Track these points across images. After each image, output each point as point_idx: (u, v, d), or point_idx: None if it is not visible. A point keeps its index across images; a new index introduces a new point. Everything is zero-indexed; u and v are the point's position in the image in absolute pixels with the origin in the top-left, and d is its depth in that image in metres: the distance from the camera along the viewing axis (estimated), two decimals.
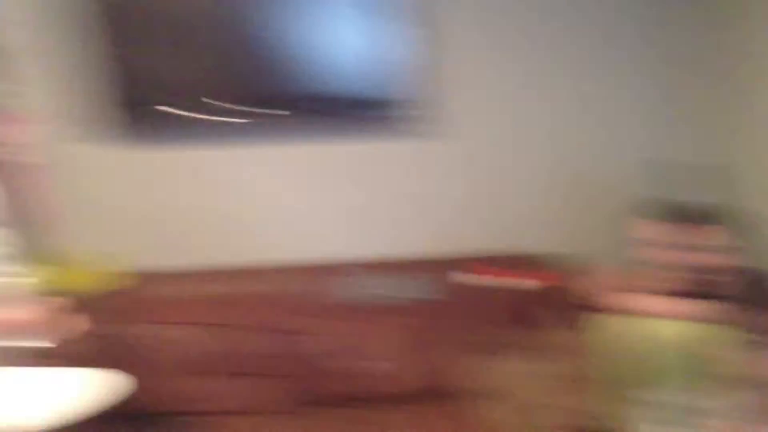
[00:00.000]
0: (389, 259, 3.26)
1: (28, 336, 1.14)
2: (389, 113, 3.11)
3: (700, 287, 2.11)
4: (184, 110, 3.03)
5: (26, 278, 1.15)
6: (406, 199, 3.30)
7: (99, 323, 2.64)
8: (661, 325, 2.14)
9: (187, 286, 3.08)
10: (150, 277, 3.12)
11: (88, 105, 3.04)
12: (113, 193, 3.18)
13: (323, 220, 3.29)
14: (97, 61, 2.97)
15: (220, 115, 3.04)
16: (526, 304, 2.86)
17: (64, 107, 3.03)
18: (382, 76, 3.05)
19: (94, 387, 1.21)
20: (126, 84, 2.99)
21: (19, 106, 2.94)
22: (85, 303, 2.78)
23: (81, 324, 1.26)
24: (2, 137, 2.91)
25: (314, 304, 2.93)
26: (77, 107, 3.04)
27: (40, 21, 2.94)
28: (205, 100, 3.04)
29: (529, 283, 2.99)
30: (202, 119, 3.05)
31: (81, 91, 3.02)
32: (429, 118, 3.16)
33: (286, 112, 3.05)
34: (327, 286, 3.03)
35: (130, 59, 2.97)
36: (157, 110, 3.04)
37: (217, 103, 3.04)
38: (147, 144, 3.13)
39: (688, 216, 2.21)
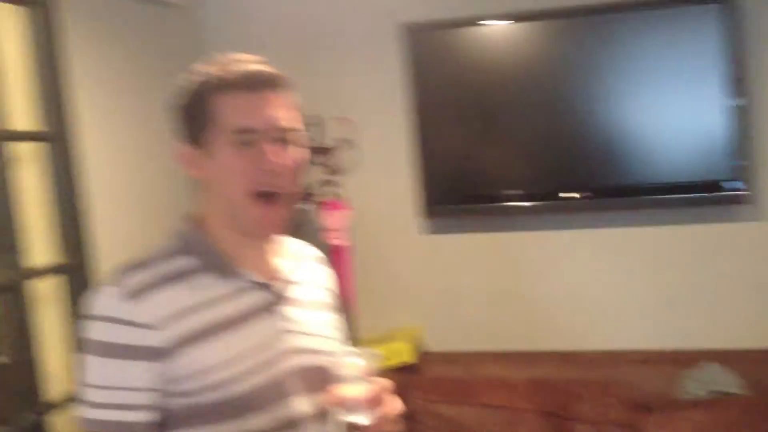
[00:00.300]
0: (701, 349, 3.01)
1: (357, 412, 1.30)
2: (703, 195, 2.96)
3: None
4: (497, 197, 3.17)
5: (357, 357, 1.34)
6: (721, 285, 3.06)
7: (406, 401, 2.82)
8: None
9: (484, 367, 3.14)
10: (447, 357, 3.24)
11: (407, 194, 3.30)
12: (418, 275, 3.36)
13: (630, 306, 3.15)
14: (419, 151, 3.22)
15: (530, 200, 3.13)
16: None
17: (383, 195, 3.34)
18: (698, 157, 2.95)
19: None
20: (443, 173, 3.22)
21: (338, 194, 3.28)
22: (395, 381, 2.97)
23: (398, 404, 1.37)
24: (327, 223, 3.26)
25: (615, 394, 2.82)
26: (400, 196, 3.31)
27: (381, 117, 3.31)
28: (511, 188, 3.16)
29: None
30: (507, 205, 3.16)
31: (403, 180, 3.30)
32: (746, 199, 2.94)
33: (593, 195, 3.06)
34: (631, 377, 2.91)
35: (447, 149, 3.21)
36: (470, 197, 3.21)
37: (526, 189, 3.14)
38: (454, 228, 3.29)
39: None
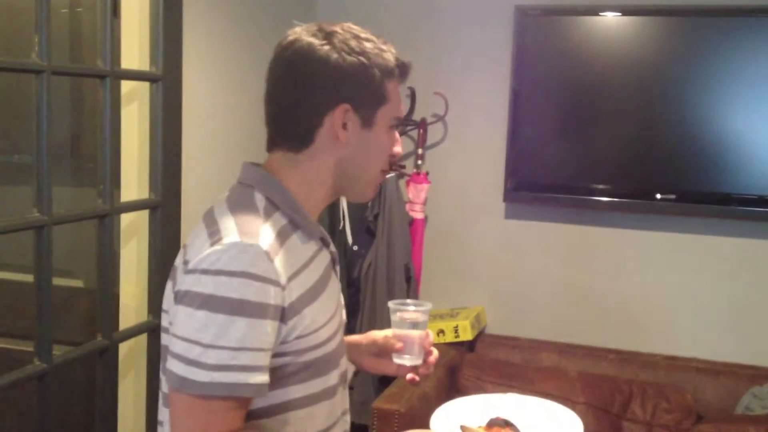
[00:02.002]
0: (766, 368, 2.99)
1: (411, 354, 1.48)
2: None
3: None
4: (581, 190, 3.18)
5: (413, 307, 1.50)
6: None
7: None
8: None
9: (541, 356, 3.17)
10: (506, 340, 3.28)
11: (492, 176, 3.33)
12: (490, 257, 3.39)
13: (701, 314, 3.14)
14: (510, 135, 3.25)
15: (615, 197, 3.13)
16: None
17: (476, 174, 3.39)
18: None
19: None
20: (530, 159, 3.25)
21: (421, 168, 3.33)
22: (452, 356, 3.05)
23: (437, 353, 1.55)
24: (412, 196, 3.31)
25: (670, 399, 2.82)
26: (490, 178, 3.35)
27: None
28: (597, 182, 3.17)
29: None
30: (590, 199, 3.16)
31: (490, 162, 3.34)
32: None
33: (681, 199, 3.04)
34: (691, 385, 2.91)
35: (538, 136, 3.24)
36: (554, 186, 3.22)
37: (613, 185, 3.14)
38: (533, 215, 3.31)
39: None
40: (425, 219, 3.37)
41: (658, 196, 3.06)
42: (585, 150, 3.19)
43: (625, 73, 3.07)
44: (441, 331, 3.18)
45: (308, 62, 1.30)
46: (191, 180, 2.56)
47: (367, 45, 1.32)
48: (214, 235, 1.22)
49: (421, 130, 3.34)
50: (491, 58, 3.30)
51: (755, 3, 2.93)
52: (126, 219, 2.40)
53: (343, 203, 3.17)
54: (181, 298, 1.21)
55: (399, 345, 1.49)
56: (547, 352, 3.17)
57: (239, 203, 1.29)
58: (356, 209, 3.19)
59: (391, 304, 1.52)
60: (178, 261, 1.28)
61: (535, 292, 3.34)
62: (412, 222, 3.30)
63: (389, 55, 1.34)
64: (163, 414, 1.30)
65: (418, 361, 1.49)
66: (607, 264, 3.24)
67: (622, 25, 3.09)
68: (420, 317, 1.49)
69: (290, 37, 1.33)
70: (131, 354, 2.47)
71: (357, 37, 1.32)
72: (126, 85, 2.34)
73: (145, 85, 2.38)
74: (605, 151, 3.18)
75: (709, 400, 2.91)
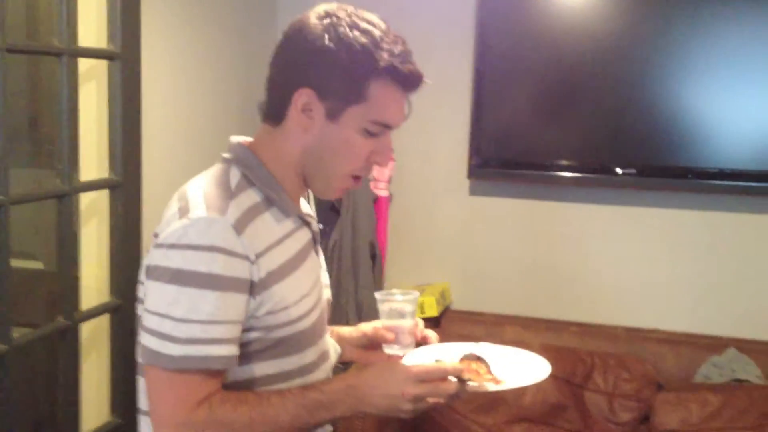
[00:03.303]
0: (727, 337, 3.05)
1: (403, 344, 1.47)
2: (755, 184, 2.98)
3: None
4: (545, 166, 3.20)
5: (402, 297, 1.50)
6: (755, 276, 3.09)
7: None
8: None
9: (506, 330, 3.20)
10: (471, 316, 3.31)
11: (456, 153, 3.33)
12: (455, 233, 3.41)
13: (662, 287, 3.19)
14: (474, 112, 3.26)
15: (579, 172, 3.16)
16: None
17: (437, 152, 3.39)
18: (755, 147, 2.98)
19: None
20: (494, 136, 3.26)
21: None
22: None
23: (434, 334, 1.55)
24: (377, 174, 3.31)
25: (631, 369, 2.87)
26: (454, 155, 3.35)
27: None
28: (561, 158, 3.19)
29: None
30: (554, 174, 3.19)
31: (453, 139, 3.34)
32: None
33: (644, 173, 3.08)
34: (651, 356, 2.98)
35: (502, 113, 3.25)
36: (517, 163, 3.24)
37: (576, 161, 3.17)
38: (498, 192, 3.33)
39: None
40: (390, 197, 3.38)
41: (619, 170, 3.10)
42: (548, 126, 3.21)
43: (588, 50, 3.09)
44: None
45: (293, 38, 1.31)
46: (152, 159, 2.54)
47: (361, 38, 1.28)
48: (183, 209, 1.24)
49: None
50: (454, 35, 3.30)
51: None
52: (86, 199, 2.38)
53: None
54: (151, 272, 1.23)
55: (390, 336, 1.50)
56: (511, 325, 3.21)
57: (213, 178, 1.30)
58: None
59: (377, 294, 1.52)
60: (153, 237, 1.29)
61: (500, 267, 3.37)
62: (376, 200, 3.30)
63: (383, 54, 1.28)
64: (140, 382, 1.32)
65: (410, 350, 1.49)
66: (569, 238, 3.27)
67: (584, 0, 3.10)
68: (407, 306, 1.50)
69: (303, 17, 1.32)
70: (93, 335, 2.45)
71: (354, 27, 1.29)
72: (84, 64, 2.31)
73: (104, 63, 2.36)
74: (568, 126, 3.20)
75: (669, 370, 2.96)
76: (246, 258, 1.22)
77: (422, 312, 3.18)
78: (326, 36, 1.27)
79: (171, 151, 2.70)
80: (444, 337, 3.04)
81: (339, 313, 3.03)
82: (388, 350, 1.51)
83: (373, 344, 1.57)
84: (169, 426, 1.22)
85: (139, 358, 1.29)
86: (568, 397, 2.84)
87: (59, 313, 2.22)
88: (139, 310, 1.30)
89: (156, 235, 1.26)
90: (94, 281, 2.43)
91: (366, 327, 1.58)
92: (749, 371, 2.86)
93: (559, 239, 3.29)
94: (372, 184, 3.30)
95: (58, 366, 2.24)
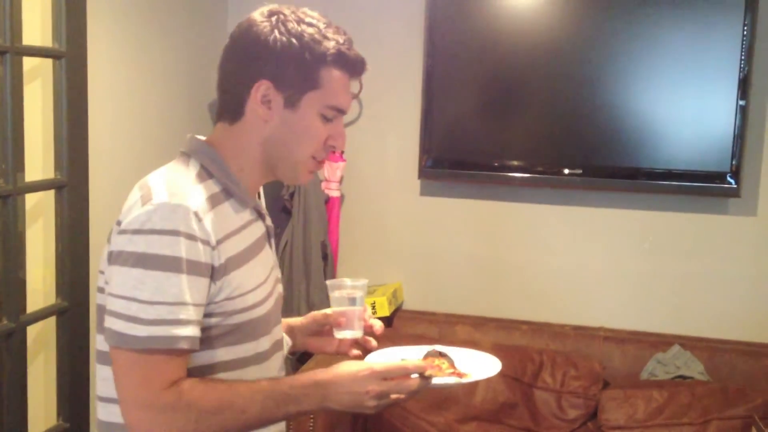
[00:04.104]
0: (672, 334, 3.13)
1: (352, 328, 1.56)
2: (698, 185, 3.05)
3: None
4: (495, 166, 3.23)
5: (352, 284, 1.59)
6: (700, 274, 3.16)
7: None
8: None
9: (456, 329, 3.23)
10: (423, 316, 3.33)
11: (406, 153, 3.36)
12: (406, 233, 3.43)
13: (608, 285, 3.25)
14: (423, 112, 3.28)
15: (528, 172, 3.20)
16: None
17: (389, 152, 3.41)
18: (700, 148, 3.04)
19: None
20: (444, 137, 3.29)
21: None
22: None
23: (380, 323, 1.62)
24: (328, 174, 3.31)
25: (578, 367, 2.92)
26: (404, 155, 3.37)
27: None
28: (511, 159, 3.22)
29: None
30: (503, 175, 3.22)
31: (403, 139, 3.36)
32: (738, 193, 3.02)
33: (591, 174, 3.13)
34: (598, 353, 3.03)
35: (452, 113, 3.27)
36: (467, 163, 3.26)
37: (525, 161, 3.20)
38: (448, 192, 3.36)
39: None
40: (341, 197, 3.38)
41: (566, 171, 3.15)
42: (497, 127, 3.25)
43: (536, 51, 3.13)
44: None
45: (243, 37, 1.38)
46: (99, 159, 2.51)
47: (308, 30, 1.36)
48: (145, 197, 1.28)
49: None
50: (404, 35, 3.32)
51: None
52: (31, 200, 2.34)
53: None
54: (115, 258, 1.27)
55: (341, 320, 1.57)
56: (463, 325, 3.24)
57: (173, 169, 1.36)
58: (272, 188, 3.17)
59: (329, 282, 1.61)
60: (114, 224, 1.32)
61: (451, 267, 3.39)
62: (328, 200, 3.30)
63: (331, 43, 1.37)
64: (101, 370, 1.36)
65: (359, 334, 1.58)
66: (519, 238, 3.32)
67: (534, 2, 3.14)
68: (357, 293, 1.58)
69: (251, 17, 1.39)
70: (40, 338, 2.41)
71: (300, 21, 1.36)
72: (28, 62, 2.27)
73: (49, 61, 2.32)
74: (516, 128, 3.25)
75: (616, 367, 3.02)
76: (207, 243, 1.27)
77: (374, 312, 3.19)
78: (276, 31, 1.35)
79: (118, 151, 2.66)
80: (397, 337, 3.07)
81: (290, 313, 3.02)
82: (339, 335, 1.58)
83: (323, 331, 1.65)
84: (137, 407, 1.24)
85: (100, 346, 1.33)
86: (517, 395, 2.88)
87: (4, 315, 2.17)
88: (100, 299, 1.34)
89: (119, 223, 1.29)
90: (40, 283, 2.39)
91: (317, 314, 1.65)
92: (693, 368, 2.93)
93: (508, 239, 3.33)
94: (323, 185, 3.30)
95: (4, 369, 2.19)
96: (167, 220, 1.24)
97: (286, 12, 1.37)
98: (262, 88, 1.35)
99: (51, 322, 2.38)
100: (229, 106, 1.40)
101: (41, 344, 2.42)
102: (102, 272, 1.34)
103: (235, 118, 1.39)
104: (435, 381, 1.40)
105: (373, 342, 1.62)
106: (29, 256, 2.29)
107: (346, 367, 1.34)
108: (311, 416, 2.60)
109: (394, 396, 1.34)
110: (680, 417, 2.65)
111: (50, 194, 2.36)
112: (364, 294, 1.59)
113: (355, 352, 1.59)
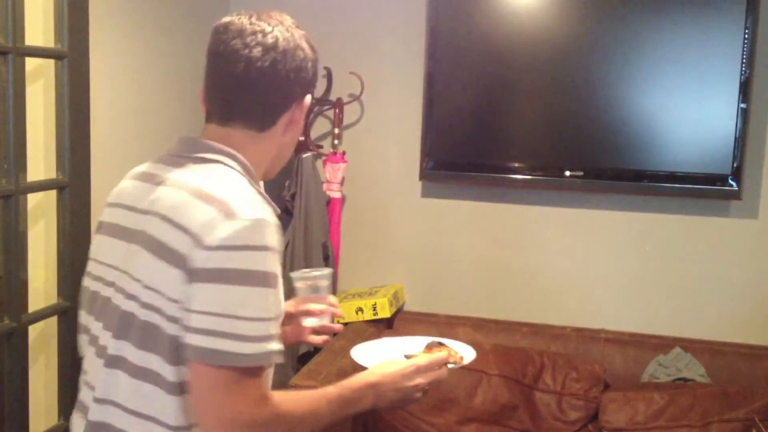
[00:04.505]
0: (674, 337, 3.13)
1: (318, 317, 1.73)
2: (700, 187, 3.05)
3: None
4: (497, 168, 3.23)
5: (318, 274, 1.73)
6: (700, 276, 3.16)
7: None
8: None
9: (457, 331, 3.23)
10: (424, 317, 3.33)
11: (408, 155, 3.36)
12: (408, 235, 3.43)
13: (609, 287, 3.24)
14: (425, 114, 3.28)
15: (530, 174, 3.20)
16: None
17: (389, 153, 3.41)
18: (702, 151, 3.04)
19: None
20: (446, 138, 3.29)
21: (338, 147, 3.34)
22: (371, 333, 3.09)
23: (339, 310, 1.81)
24: (329, 176, 3.32)
25: (578, 369, 2.92)
26: (406, 157, 3.37)
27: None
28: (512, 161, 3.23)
29: None
30: (505, 177, 3.23)
31: (406, 141, 3.37)
32: (739, 195, 3.02)
33: (592, 176, 3.13)
34: (599, 355, 3.04)
35: (454, 115, 3.27)
36: (470, 164, 3.27)
37: (527, 163, 3.21)
38: (450, 194, 3.36)
39: None
40: (343, 198, 3.39)
41: (567, 173, 3.15)
42: (499, 128, 3.25)
43: (538, 53, 3.14)
44: (359, 309, 3.21)
45: (291, 55, 1.41)
46: (101, 159, 2.51)
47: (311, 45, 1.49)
48: (227, 212, 1.25)
49: (338, 110, 3.35)
50: (406, 37, 3.33)
51: None
52: (33, 200, 2.34)
53: (260, 183, 3.15)
54: (206, 275, 1.23)
55: (309, 308, 1.71)
56: (463, 327, 3.24)
57: (227, 178, 1.34)
58: (273, 189, 3.18)
59: (293, 274, 1.71)
60: (171, 239, 1.27)
61: (452, 269, 3.39)
62: (329, 201, 3.31)
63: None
64: (114, 375, 1.31)
65: (325, 321, 1.73)
66: (519, 240, 3.32)
67: (534, 3, 3.14)
68: (323, 282, 1.70)
69: (260, 26, 1.40)
70: (41, 337, 2.42)
71: (305, 37, 1.47)
72: (31, 63, 2.28)
73: (51, 62, 2.33)
74: (518, 129, 3.25)
75: (617, 369, 3.02)
76: (279, 254, 1.31)
77: (375, 313, 3.20)
78: (309, 48, 1.46)
79: (120, 151, 2.67)
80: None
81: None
82: (306, 322, 1.71)
83: (291, 321, 1.73)
84: (236, 426, 1.24)
85: (120, 352, 1.30)
86: (518, 397, 2.88)
87: (6, 315, 2.18)
88: (130, 307, 1.30)
89: (196, 240, 1.24)
90: (41, 283, 2.40)
91: (287, 305, 1.67)
92: (694, 370, 2.93)
93: (509, 241, 3.33)
94: (325, 186, 3.31)
95: (5, 369, 2.20)
96: (260, 235, 1.25)
97: (291, 22, 1.47)
98: (306, 103, 1.45)
99: (52, 321, 2.39)
100: (262, 116, 1.41)
101: (42, 344, 2.43)
102: (153, 289, 1.27)
103: (265, 128, 1.42)
104: (450, 366, 1.61)
105: (336, 326, 1.77)
106: (31, 256, 2.30)
107: (392, 367, 1.50)
108: None
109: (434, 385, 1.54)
110: (681, 419, 2.65)
111: (52, 194, 2.37)
112: (329, 282, 1.70)
113: (315, 338, 1.73)
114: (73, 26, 2.32)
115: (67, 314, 2.37)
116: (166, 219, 1.29)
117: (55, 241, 2.38)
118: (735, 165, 2.99)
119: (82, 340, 1.45)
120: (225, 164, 1.37)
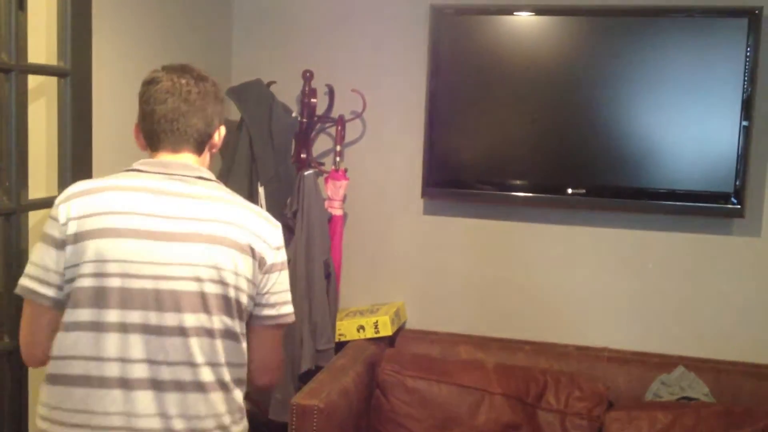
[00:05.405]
0: (677, 355, 3.12)
1: None
2: (703, 205, 3.05)
3: None
4: (498, 185, 3.24)
5: None
6: (704, 294, 3.15)
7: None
8: None
9: (459, 349, 3.22)
10: (426, 335, 3.32)
11: (410, 173, 3.37)
12: (409, 253, 3.43)
13: (611, 305, 3.23)
14: (427, 132, 3.29)
15: (531, 192, 3.20)
16: None
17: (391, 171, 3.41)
18: (704, 169, 3.04)
19: None
20: (447, 156, 3.29)
21: (340, 165, 3.34)
22: (372, 351, 3.08)
23: None
24: (331, 193, 3.32)
25: (582, 388, 2.90)
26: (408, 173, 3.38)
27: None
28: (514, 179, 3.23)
29: None
30: (506, 194, 3.23)
31: (407, 159, 3.38)
32: (741, 213, 3.02)
33: (594, 193, 3.14)
34: (602, 374, 3.02)
35: (455, 133, 3.27)
36: (470, 182, 3.27)
37: (529, 181, 3.21)
38: (452, 211, 3.36)
39: None
40: (344, 216, 3.38)
41: (570, 190, 3.15)
42: (500, 147, 3.25)
43: (539, 72, 3.14)
44: (361, 327, 3.20)
45: (219, 92, 1.89)
46: (103, 177, 2.50)
47: None
48: (269, 219, 1.85)
49: (339, 128, 3.35)
50: (408, 56, 3.34)
51: (664, 3, 3.04)
52: (34, 218, 2.34)
53: (262, 200, 3.15)
54: (276, 267, 1.82)
55: None
56: (465, 345, 3.22)
57: (236, 195, 1.86)
58: (275, 206, 3.17)
59: None
60: (244, 238, 1.76)
61: (454, 287, 3.38)
62: (331, 218, 3.30)
63: None
64: (201, 341, 1.71)
65: None
66: (521, 258, 3.31)
67: (535, 24, 3.16)
68: None
69: (196, 72, 1.88)
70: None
71: None
72: (33, 80, 2.28)
73: (53, 80, 2.33)
74: (520, 147, 3.24)
75: (620, 388, 3.00)
76: None
77: (377, 331, 3.18)
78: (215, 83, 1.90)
79: (122, 169, 2.65)
80: (398, 356, 3.05)
81: (293, 333, 3.02)
82: None
83: None
84: (279, 368, 2.01)
85: (238, 328, 1.77)
86: (521, 416, 2.86)
87: (6, 334, 2.17)
88: (225, 291, 1.73)
89: (266, 242, 1.80)
90: None
91: None
92: (697, 389, 2.91)
93: (512, 259, 3.32)
94: (326, 203, 3.30)
95: (5, 388, 2.18)
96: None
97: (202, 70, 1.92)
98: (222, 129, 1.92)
99: None
100: (205, 142, 1.87)
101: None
102: (238, 274, 1.74)
103: (203, 152, 1.88)
104: None
105: None
106: None
107: None
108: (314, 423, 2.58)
109: None
110: None
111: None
112: None
113: None
114: (76, 44, 2.32)
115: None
116: (235, 225, 1.76)
117: None
118: (737, 183, 2.99)
119: (108, 335, 1.68)
120: (216, 181, 1.86)
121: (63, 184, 2.34)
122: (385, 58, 3.36)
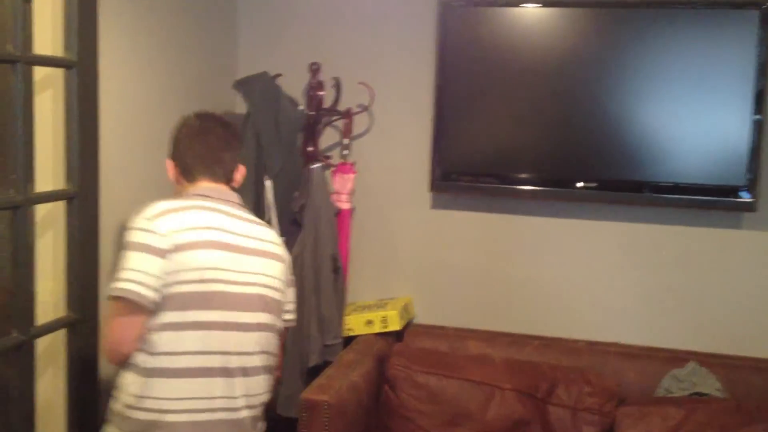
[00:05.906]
0: (688, 350, 3.08)
1: None
2: (713, 199, 3.01)
3: None
4: (506, 179, 3.21)
5: None
6: (715, 289, 3.12)
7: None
8: None
9: (469, 344, 3.19)
10: (434, 330, 3.30)
11: (418, 166, 3.34)
12: (418, 247, 3.40)
13: (623, 300, 3.20)
14: (435, 125, 3.26)
15: (540, 185, 3.17)
16: None
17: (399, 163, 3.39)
18: (714, 162, 3.00)
19: None
20: (456, 150, 3.26)
21: (347, 158, 3.32)
22: (380, 346, 3.06)
23: None
24: (338, 187, 3.29)
25: (593, 383, 2.87)
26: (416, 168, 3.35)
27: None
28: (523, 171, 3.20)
29: None
30: (515, 188, 3.20)
31: (415, 152, 3.34)
32: (753, 207, 2.99)
33: (604, 187, 3.10)
34: (613, 369, 2.99)
35: (463, 127, 3.23)
36: (479, 176, 3.24)
37: (537, 174, 3.18)
38: (460, 205, 3.33)
39: None
40: (352, 209, 3.36)
41: (580, 184, 3.12)
42: (509, 140, 3.22)
43: (547, 64, 3.11)
44: (369, 322, 3.17)
45: (239, 136, 2.28)
46: (110, 170, 2.49)
47: None
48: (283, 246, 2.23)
49: (347, 121, 3.32)
50: (416, 49, 3.31)
51: None
52: (41, 211, 2.32)
53: (269, 195, 3.13)
54: (291, 282, 2.26)
55: None
56: (474, 340, 3.20)
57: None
58: (282, 201, 3.15)
59: None
60: (280, 251, 2.19)
61: (462, 281, 3.36)
62: (338, 212, 3.27)
63: None
64: (263, 335, 2.11)
65: None
66: (530, 252, 3.28)
67: (543, 16, 3.13)
68: None
69: (222, 119, 2.23)
70: (49, 351, 2.38)
71: None
72: (39, 72, 2.26)
73: (60, 71, 2.30)
74: (529, 141, 3.21)
75: (631, 384, 2.97)
76: None
77: (385, 325, 3.16)
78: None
79: (129, 162, 2.64)
80: (407, 351, 3.02)
81: (301, 327, 2.99)
82: None
83: None
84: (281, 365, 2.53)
85: (279, 324, 2.19)
86: (531, 411, 2.83)
87: (14, 327, 2.15)
88: (275, 294, 2.15)
89: (287, 260, 2.22)
90: (50, 295, 2.36)
91: None
92: (710, 384, 2.88)
93: (520, 253, 3.29)
94: (334, 197, 3.28)
95: (13, 382, 2.17)
96: None
97: None
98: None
99: (60, 334, 2.35)
100: (232, 175, 2.18)
101: (50, 357, 2.39)
102: (278, 279, 2.15)
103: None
104: None
105: None
106: (39, 268, 2.26)
107: None
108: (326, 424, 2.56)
109: None
110: None
111: (60, 205, 2.34)
112: None
113: None
114: (82, 35, 2.30)
115: (75, 327, 2.34)
116: (277, 245, 2.18)
117: (64, 253, 2.35)
118: (749, 177, 2.96)
119: (190, 334, 1.97)
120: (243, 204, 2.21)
121: (70, 177, 2.32)
122: (392, 50, 3.33)
